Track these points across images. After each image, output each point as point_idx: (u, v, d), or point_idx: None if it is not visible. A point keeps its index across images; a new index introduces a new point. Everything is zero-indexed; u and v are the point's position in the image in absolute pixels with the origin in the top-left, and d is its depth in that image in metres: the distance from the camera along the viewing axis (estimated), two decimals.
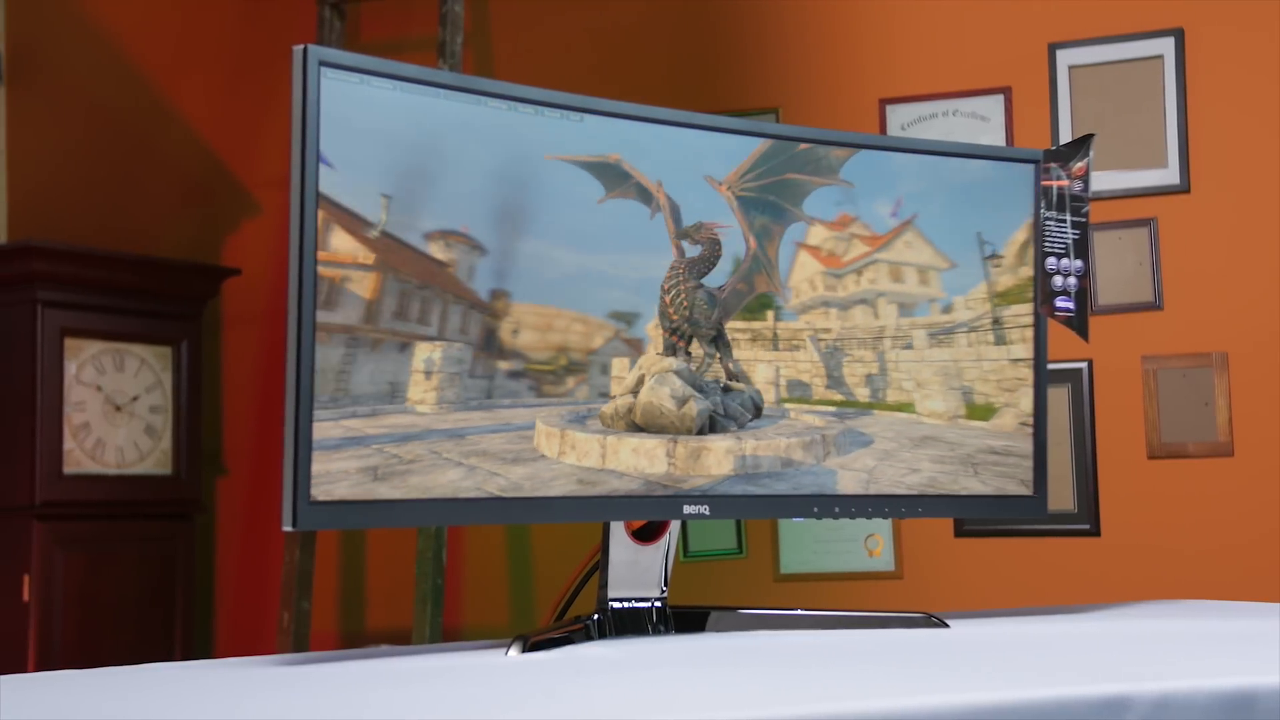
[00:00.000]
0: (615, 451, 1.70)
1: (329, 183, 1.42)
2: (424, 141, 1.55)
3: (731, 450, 1.78)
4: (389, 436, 1.49)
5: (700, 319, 1.79)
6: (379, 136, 1.50)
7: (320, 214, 1.40)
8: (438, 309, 1.50)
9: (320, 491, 1.48)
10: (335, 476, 1.48)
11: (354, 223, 1.42)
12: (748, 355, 1.85)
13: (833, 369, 1.89)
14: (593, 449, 1.69)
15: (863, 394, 1.91)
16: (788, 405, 1.87)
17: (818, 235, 1.90)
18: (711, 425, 1.79)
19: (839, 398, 1.90)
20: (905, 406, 1.93)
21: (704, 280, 1.81)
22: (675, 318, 1.78)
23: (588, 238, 1.70)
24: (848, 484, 1.85)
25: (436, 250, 1.51)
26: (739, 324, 1.85)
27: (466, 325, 1.54)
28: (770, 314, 1.86)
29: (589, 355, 1.70)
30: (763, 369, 1.86)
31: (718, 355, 1.83)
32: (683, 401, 1.76)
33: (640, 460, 1.72)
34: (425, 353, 1.52)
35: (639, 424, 1.74)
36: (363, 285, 1.42)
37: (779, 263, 1.87)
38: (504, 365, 1.61)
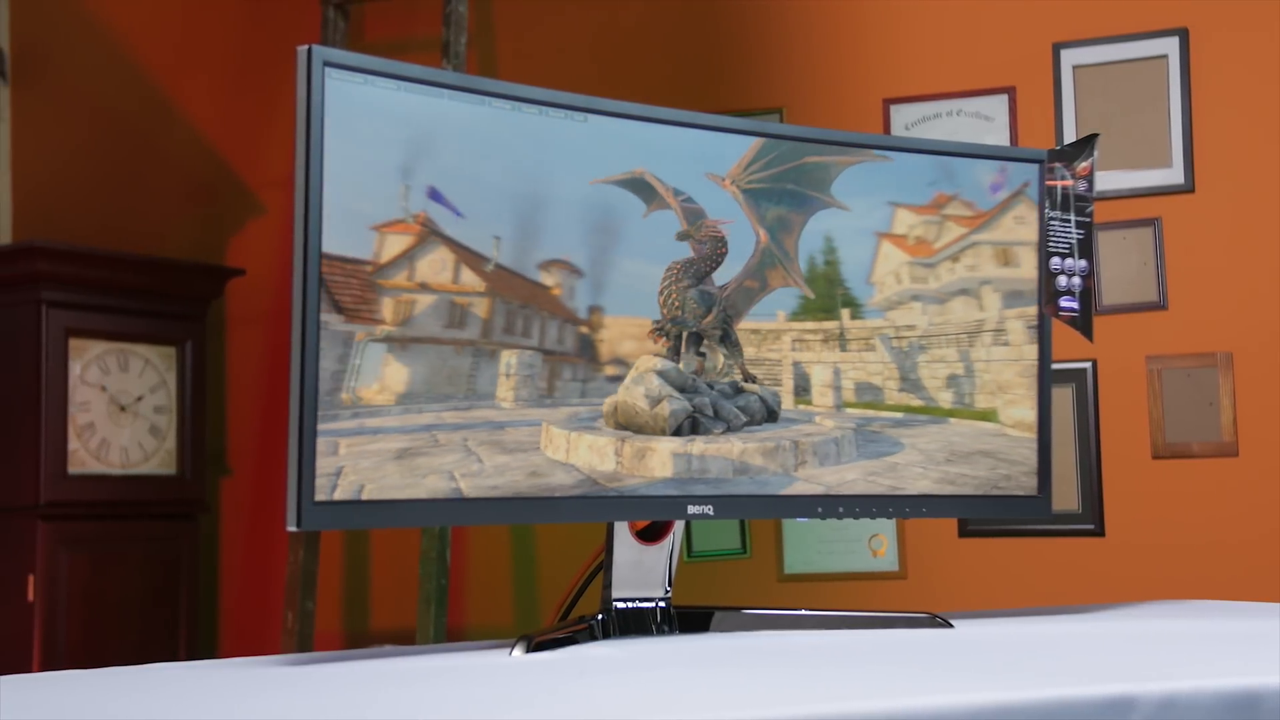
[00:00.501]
0: (575, 447, 1.70)
1: (456, 229, 1.61)
2: (530, 190, 1.68)
3: (677, 452, 1.76)
4: (449, 425, 1.61)
5: (689, 319, 1.78)
6: (498, 188, 1.66)
7: (452, 255, 1.61)
8: (537, 323, 1.68)
9: (348, 465, 1.53)
10: (368, 455, 1.54)
11: (473, 259, 1.63)
12: (810, 357, 1.82)
13: (907, 371, 1.84)
14: (561, 443, 1.70)
15: (945, 398, 1.86)
16: (826, 409, 1.83)
17: (904, 222, 1.85)
18: (695, 426, 1.78)
19: (916, 403, 1.84)
20: (989, 414, 1.87)
21: (708, 279, 1.80)
22: (667, 318, 1.77)
23: (650, 250, 1.77)
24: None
25: (545, 277, 1.68)
26: (810, 325, 1.82)
27: (563, 336, 1.70)
28: (846, 313, 1.83)
29: None
30: (819, 371, 1.83)
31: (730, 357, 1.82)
32: (656, 401, 1.75)
33: (593, 457, 1.71)
34: (506, 358, 1.67)
35: (621, 423, 1.74)
36: (480, 307, 1.63)
37: (857, 258, 1.82)
38: (609, 371, 1.74)
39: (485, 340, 1.64)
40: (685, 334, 1.80)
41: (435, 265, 1.59)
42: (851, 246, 1.85)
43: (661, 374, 1.76)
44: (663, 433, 1.75)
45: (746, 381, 1.83)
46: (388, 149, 1.57)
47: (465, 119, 1.63)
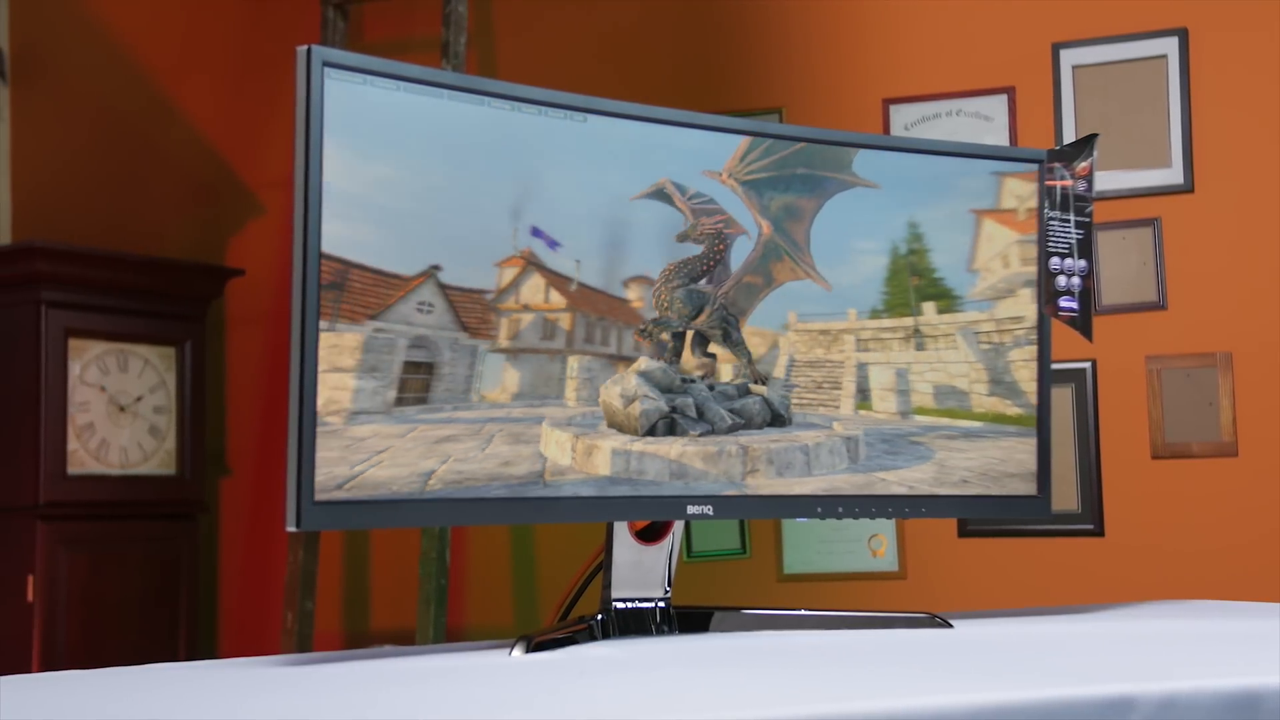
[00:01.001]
0: (548, 442, 1.71)
1: (551, 259, 1.74)
2: (617, 214, 1.75)
3: (616, 450, 1.75)
4: (504, 419, 1.71)
5: (675, 319, 1.78)
6: (585, 218, 1.74)
7: (544, 280, 1.73)
8: (614, 333, 1.77)
9: (396, 444, 1.57)
10: (420, 439, 1.62)
11: (559, 280, 1.74)
12: (876, 358, 1.78)
13: (1000, 372, 1.71)
14: (545, 438, 1.70)
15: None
16: (888, 415, 1.79)
17: (1013, 192, 1.74)
18: (672, 427, 1.77)
19: (1013, 410, 1.71)
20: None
21: (712, 277, 1.79)
22: (655, 319, 1.77)
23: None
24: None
25: (628, 292, 1.77)
26: (886, 323, 1.76)
27: (639, 343, 1.78)
28: (931, 306, 1.74)
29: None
30: (878, 374, 1.77)
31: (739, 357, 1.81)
32: (630, 401, 1.74)
33: (558, 452, 1.72)
34: (571, 363, 1.75)
35: (609, 422, 1.74)
36: (564, 320, 1.74)
37: (952, 243, 1.70)
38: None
39: (569, 349, 1.74)
40: (690, 334, 1.79)
41: (533, 289, 1.73)
42: (941, 231, 1.75)
43: (644, 374, 1.75)
44: (636, 432, 1.75)
45: (755, 383, 1.81)
46: (500, 189, 1.67)
47: (562, 140, 1.70)
